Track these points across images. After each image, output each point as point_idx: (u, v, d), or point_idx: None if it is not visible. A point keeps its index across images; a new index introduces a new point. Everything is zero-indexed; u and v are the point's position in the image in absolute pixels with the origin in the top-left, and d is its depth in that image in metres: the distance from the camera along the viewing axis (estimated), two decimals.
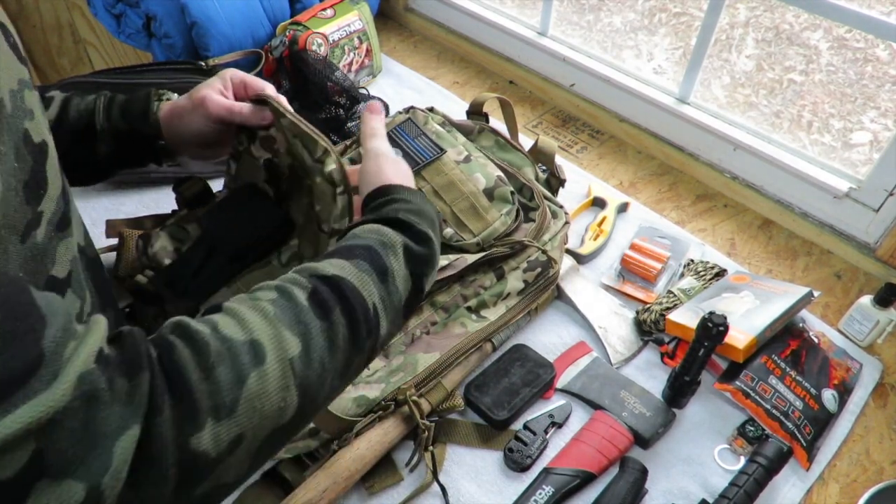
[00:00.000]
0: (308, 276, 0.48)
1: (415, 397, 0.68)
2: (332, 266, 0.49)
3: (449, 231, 0.80)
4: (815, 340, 0.82)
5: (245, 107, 0.72)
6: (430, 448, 0.69)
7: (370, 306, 0.49)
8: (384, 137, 0.66)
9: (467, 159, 0.85)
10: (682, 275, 0.91)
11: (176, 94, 0.75)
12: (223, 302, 0.45)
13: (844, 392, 0.79)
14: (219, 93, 0.72)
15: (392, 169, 0.62)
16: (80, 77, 0.98)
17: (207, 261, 0.70)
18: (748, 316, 0.79)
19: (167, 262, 0.72)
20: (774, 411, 0.73)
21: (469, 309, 0.78)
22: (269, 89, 0.73)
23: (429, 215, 0.58)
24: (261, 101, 0.70)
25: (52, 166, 0.52)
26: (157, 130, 0.72)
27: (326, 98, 1.05)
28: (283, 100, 0.71)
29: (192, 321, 0.42)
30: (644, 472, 0.69)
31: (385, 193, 0.59)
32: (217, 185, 0.80)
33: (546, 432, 0.73)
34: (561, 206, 0.87)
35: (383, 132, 0.67)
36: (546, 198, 0.87)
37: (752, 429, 0.74)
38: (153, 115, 0.72)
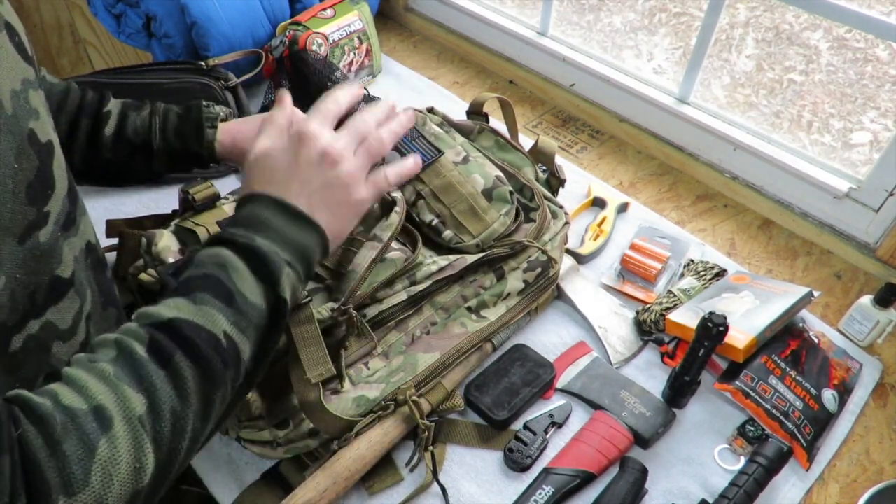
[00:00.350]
0: (145, 324, 0.46)
1: (415, 397, 0.68)
2: (168, 309, 0.47)
3: (448, 233, 0.80)
4: (815, 340, 0.82)
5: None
6: (430, 448, 0.69)
7: (220, 337, 0.47)
8: (277, 128, 0.58)
9: (465, 160, 0.85)
10: (682, 275, 0.91)
11: (223, 110, 0.79)
12: (71, 359, 0.44)
13: (844, 392, 0.79)
14: None
15: (258, 170, 0.57)
16: (80, 77, 0.98)
17: None
18: (748, 316, 0.79)
19: (171, 260, 0.72)
20: (774, 411, 0.73)
21: (469, 309, 0.78)
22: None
23: (265, 223, 0.53)
24: None
25: (58, 166, 0.52)
26: (211, 152, 0.77)
27: None
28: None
29: (33, 395, 0.40)
30: (644, 472, 0.69)
31: (239, 206, 0.56)
32: (219, 186, 0.80)
33: (546, 432, 0.73)
34: (561, 207, 0.87)
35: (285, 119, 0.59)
36: (546, 198, 0.87)
37: (752, 429, 0.74)
38: (208, 142, 0.76)
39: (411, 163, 0.64)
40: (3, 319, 0.47)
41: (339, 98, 0.60)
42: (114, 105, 0.78)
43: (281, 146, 0.57)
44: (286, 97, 0.61)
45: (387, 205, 0.76)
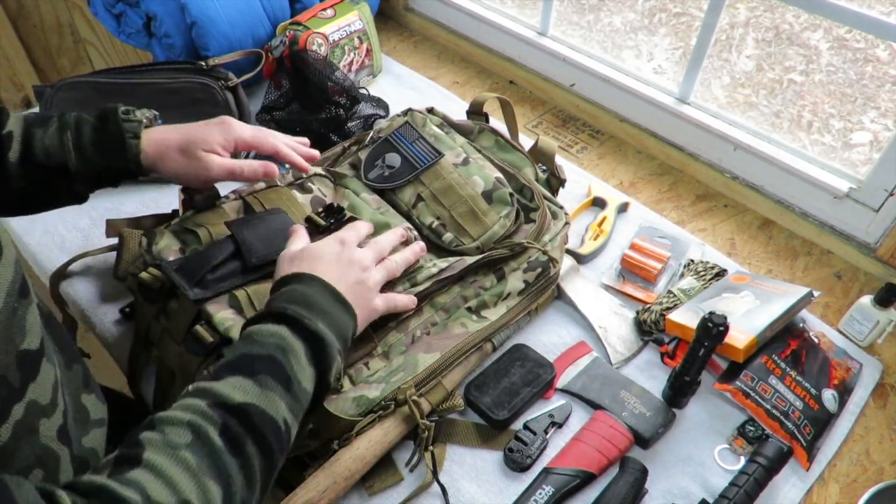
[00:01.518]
0: (216, 405, 0.47)
1: (415, 397, 0.68)
2: (235, 390, 0.48)
3: (448, 236, 0.80)
4: (815, 340, 0.82)
5: (246, 166, 0.74)
6: (430, 448, 0.69)
7: (281, 424, 0.49)
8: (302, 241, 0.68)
9: (465, 162, 0.85)
10: (682, 275, 0.91)
11: (144, 113, 0.72)
12: (140, 438, 0.44)
13: (844, 392, 0.79)
14: (218, 152, 0.72)
15: (305, 256, 0.64)
16: (80, 77, 0.98)
17: (228, 260, 0.71)
18: (748, 316, 0.79)
19: (171, 259, 0.72)
20: (774, 411, 0.73)
21: (469, 309, 0.78)
22: (282, 149, 0.77)
23: (319, 306, 0.58)
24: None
25: (2, 232, 0.47)
26: (138, 165, 0.71)
27: (326, 98, 1.05)
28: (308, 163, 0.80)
29: (118, 486, 0.40)
30: (644, 472, 0.69)
31: (285, 283, 0.60)
32: (218, 186, 0.80)
33: (546, 432, 0.73)
34: (561, 207, 0.87)
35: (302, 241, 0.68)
36: (546, 198, 0.87)
37: (752, 429, 0.74)
38: (133, 156, 0.70)
39: (410, 302, 0.72)
40: None
41: (361, 227, 0.72)
42: (14, 124, 0.68)
43: (325, 244, 0.65)
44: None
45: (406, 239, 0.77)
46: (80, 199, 0.75)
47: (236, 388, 0.48)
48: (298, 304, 0.56)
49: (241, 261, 0.71)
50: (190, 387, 0.49)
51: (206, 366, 0.68)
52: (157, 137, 0.71)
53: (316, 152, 0.82)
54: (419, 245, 0.75)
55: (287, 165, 0.79)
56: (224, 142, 0.73)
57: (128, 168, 0.71)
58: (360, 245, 0.69)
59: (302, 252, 0.64)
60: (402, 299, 0.71)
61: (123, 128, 0.69)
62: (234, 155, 0.76)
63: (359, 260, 0.65)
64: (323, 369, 0.54)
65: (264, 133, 0.77)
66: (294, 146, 0.79)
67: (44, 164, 0.68)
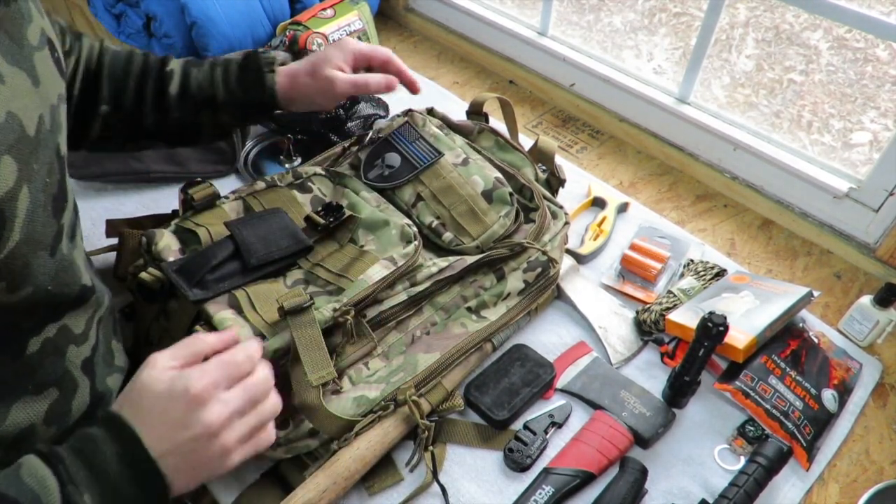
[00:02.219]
0: None
1: (415, 397, 0.68)
2: None
3: (448, 235, 0.80)
4: (815, 340, 0.82)
5: (370, 79, 0.78)
6: (430, 448, 0.69)
7: None
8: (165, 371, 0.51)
9: (465, 162, 0.85)
10: (682, 275, 0.91)
11: (281, 54, 0.80)
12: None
13: (844, 392, 0.79)
14: (340, 69, 0.77)
15: (141, 397, 0.50)
16: None
17: (228, 261, 0.71)
18: (748, 316, 0.79)
19: (172, 259, 0.72)
20: (774, 411, 0.73)
21: (469, 309, 0.78)
22: (391, 56, 0.82)
23: (105, 476, 0.47)
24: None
25: (67, 179, 0.53)
26: (274, 100, 0.78)
27: None
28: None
29: None
30: (644, 472, 0.69)
31: (103, 420, 0.49)
32: (219, 186, 0.80)
33: (546, 432, 0.73)
34: (561, 207, 0.87)
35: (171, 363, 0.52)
36: (546, 198, 0.87)
37: (752, 429, 0.74)
38: (269, 88, 0.77)
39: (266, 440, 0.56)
40: (20, 322, 0.47)
41: (250, 348, 0.55)
42: (175, 64, 0.78)
43: (166, 385, 0.50)
44: (229, 335, 0.57)
45: (407, 236, 0.77)
46: (224, 133, 0.84)
47: None
48: (81, 458, 0.47)
49: (241, 261, 0.71)
50: None
51: None
52: (288, 69, 0.79)
53: (406, 81, 0.84)
54: (278, 399, 0.57)
55: (289, 165, 0.79)
56: (344, 57, 0.78)
57: (264, 100, 0.77)
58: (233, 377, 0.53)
59: (138, 388, 0.50)
60: (264, 439, 0.55)
61: (262, 63, 0.77)
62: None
63: (208, 427, 0.49)
64: None
65: (379, 47, 0.82)
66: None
67: (195, 96, 0.77)
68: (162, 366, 0.51)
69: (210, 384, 0.50)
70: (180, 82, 0.77)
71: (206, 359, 0.53)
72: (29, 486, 0.44)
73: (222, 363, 0.52)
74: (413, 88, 0.84)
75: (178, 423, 0.49)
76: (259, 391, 0.53)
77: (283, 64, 0.80)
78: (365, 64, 0.81)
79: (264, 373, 0.55)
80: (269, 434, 0.55)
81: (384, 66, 0.82)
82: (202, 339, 0.54)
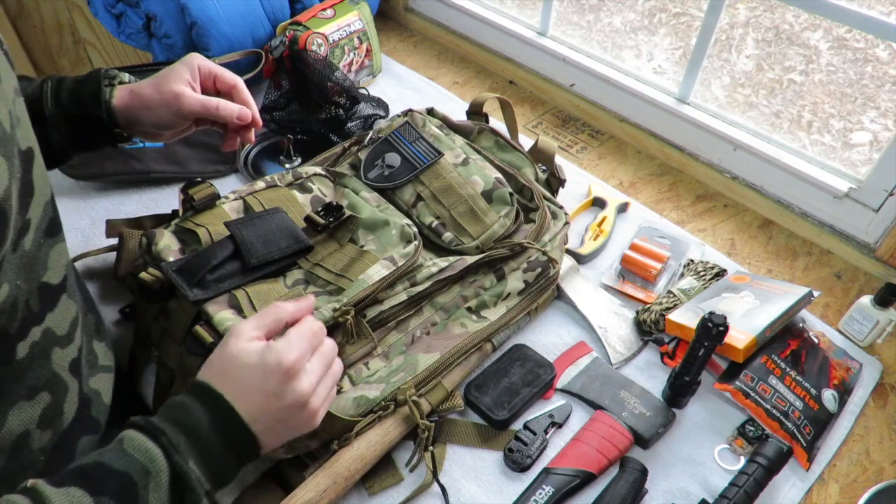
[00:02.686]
0: None
1: (415, 397, 0.68)
2: (69, 497, 0.43)
3: (448, 235, 0.80)
4: (815, 340, 0.82)
5: (221, 104, 0.72)
6: (430, 448, 0.69)
7: None
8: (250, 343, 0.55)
9: (465, 162, 0.85)
10: (682, 275, 0.91)
11: (126, 75, 0.73)
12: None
13: (844, 392, 0.79)
14: (188, 85, 0.71)
15: (232, 364, 0.53)
16: None
17: (228, 261, 0.71)
18: (748, 316, 0.79)
19: (172, 259, 0.72)
20: (774, 411, 0.73)
21: (469, 309, 0.78)
22: (240, 82, 0.74)
23: (204, 442, 0.50)
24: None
25: (38, 173, 0.51)
26: (111, 116, 0.70)
27: (326, 98, 1.05)
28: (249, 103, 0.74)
29: None
30: (644, 472, 0.69)
31: (193, 390, 0.53)
32: (218, 186, 0.80)
33: (546, 432, 0.73)
34: (561, 207, 0.87)
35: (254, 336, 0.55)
36: (546, 198, 0.87)
37: (752, 429, 0.74)
38: (105, 102, 0.70)
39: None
40: (7, 326, 0.47)
41: (317, 322, 0.59)
42: None
43: (255, 356, 0.53)
44: (307, 303, 0.60)
45: (406, 236, 0.76)
46: (60, 155, 0.73)
47: (69, 498, 0.43)
48: (180, 428, 0.49)
49: (241, 261, 0.71)
50: (29, 481, 0.45)
51: None
52: (130, 85, 0.72)
53: (252, 117, 0.75)
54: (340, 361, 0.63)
55: (289, 165, 0.78)
56: (191, 72, 0.71)
57: (100, 115, 0.69)
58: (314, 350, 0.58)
59: (229, 359, 0.54)
60: (332, 395, 0.60)
61: (101, 77, 0.70)
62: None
63: (296, 394, 0.53)
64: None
65: (229, 71, 0.75)
66: (248, 101, 0.75)
67: None
68: (248, 336, 0.55)
69: (299, 357, 0.54)
70: None
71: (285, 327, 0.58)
72: (135, 458, 0.47)
73: (304, 335, 0.56)
74: (255, 125, 0.76)
75: (272, 393, 0.52)
76: (330, 357, 0.59)
77: (123, 83, 0.73)
78: (211, 81, 0.74)
79: (331, 340, 0.60)
80: (334, 391, 0.61)
81: (231, 92, 0.75)
82: (284, 308, 0.58)
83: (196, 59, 0.73)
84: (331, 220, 0.77)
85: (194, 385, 0.53)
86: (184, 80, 0.71)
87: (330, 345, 0.59)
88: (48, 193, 0.54)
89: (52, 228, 0.54)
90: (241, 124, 0.74)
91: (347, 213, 0.78)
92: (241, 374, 0.53)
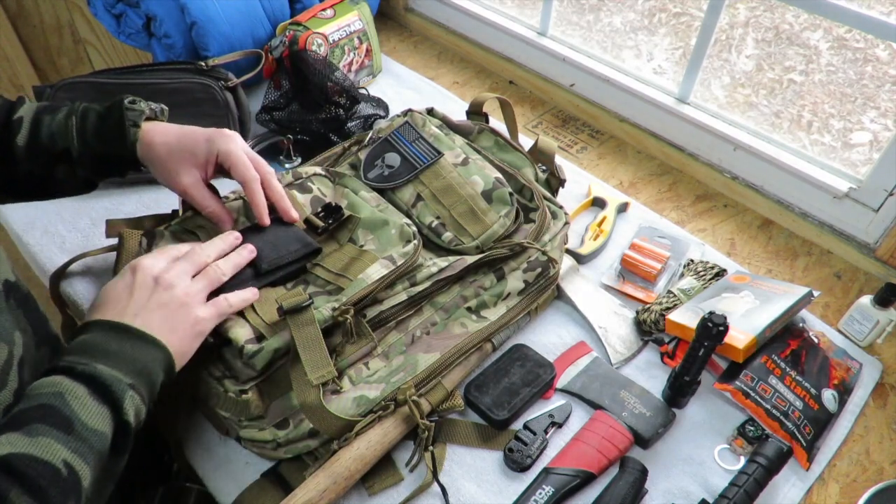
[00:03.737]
0: None
1: (415, 397, 0.68)
2: (2, 445, 0.45)
3: (448, 235, 0.80)
4: (815, 340, 0.82)
5: (211, 211, 0.72)
6: (430, 448, 0.69)
7: (59, 466, 0.45)
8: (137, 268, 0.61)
9: (465, 162, 0.85)
10: (682, 275, 0.91)
11: (146, 106, 0.73)
12: None
13: (844, 392, 0.79)
14: (201, 170, 0.71)
15: (97, 302, 0.59)
16: (80, 77, 0.98)
17: (243, 268, 0.70)
18: (748, 316, 0.79)
19: None
20: (774, 411, 0.73)
21: (469, 309, 0.78)
22: (254, 182, 0.71)
23: (99, 348, 0.54)
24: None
25: None
26: (133, 155, 0.71)
27: (326, 98, 1.05)
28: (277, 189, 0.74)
29: None
30: (644, 472, 0.69)
31: (73, 337, 0.56)
32: (218, 186, 0.80)
33: (546, 432, 0.73)
34: (561, 207, 0.87)
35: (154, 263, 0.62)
36: (546, 198, 0.87)
37: (752, 429, 0.74)
38: (130, 144, 0.70)
39: (250, 293, 0.67)
40: None
41: (180, 246, 0.65)
42: (26, 111, 0.71)
43: (117, 279, 0.60)
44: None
45: (406, 235, 0.76)
46: (88, 186, 0.76)
47: (2, 444, 0.45)
48: (74, 353, 0.53)
49: (253, 266, 0.71)
50: None
51: (206, 365, 0.68)
52: (155, 131, 0.71)
53: (282, 211, 0.75)
54: (248, 248, 0.69)
55: (289, 165, 0.78)
56: (206, 156, 0.71)
57: (125, 156, 0.71)
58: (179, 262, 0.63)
59: (97, 296, 0.60)
60: (237, 297, 0.65)
61: (126, 116, 0.70)
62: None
63: (158, 279, 0.59)
64: (115, 407, 0.51)
65: (252, 168, 0.71)
66: (280, 195, 0.74)
67: (48, 148, 0.69)
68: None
69: (150, 258, 0.61)
70: (29, 133, 0.69)
71: None
72: (43, 392, 0.49)
73: (162, 250, 0.64)
74: (286, 217, 0.75)
75: (136, 287, 0.59)
76: (200, 256, 0.64)
77: (151, 118, 0.73)
78: (225, 164, 0.72)
79: (204, 250, 0.65)
80: (232, 297, 0.65)
81: (244, 184, 0.72)
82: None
83: (218, 143, 0.70)
84: (330, 222, 0.77)
85: (78, 326, 0.57)
86: (196, 159, 0.71)
87: (196, 250, 0.65)
88: None
89: None
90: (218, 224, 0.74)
91: (347, 213, 0.78)
92: (107, 294, 0.59)
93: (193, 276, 0.63)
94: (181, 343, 0.59)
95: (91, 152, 0.71)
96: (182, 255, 0.64)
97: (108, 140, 0.70)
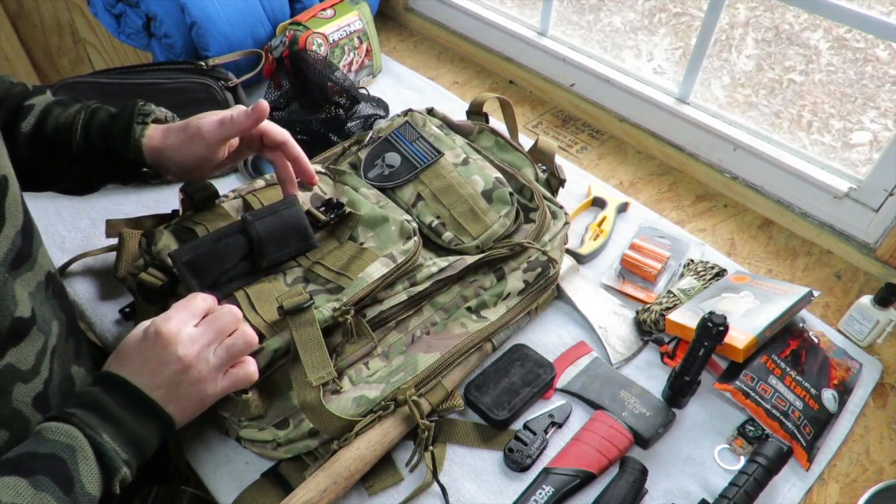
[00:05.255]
0: None
1: (415, 397, 0.68)
2: (6, 491, 0.45)
3: (448, 235, 0.80)
4: (815, 340, 0.82)
5: (234, 111, 0.69)
6: (430, 448, 0.69)
7: None
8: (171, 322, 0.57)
9: (465, 162, 0.85)
10: (682, 275, 0.91)
11: (162, 111, 0.72)
12: None
13: (844, 392, 0.79)
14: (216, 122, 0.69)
15: (118, 353, 0.57)
16: (80, 77, 0.98)
17: (240, 261, 0.70)
18: (748, 316, 0.79)
19: (176, 248, 0.72)
20: (774, 411, 0.73)
21: (469, 309, 0.78)
22: (290, 139, 0.71)
23: (110, 413, 0.53)
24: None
25: (11, 202, 0.51)
26: (139, 155, 0.69)
27: (326, 98, 1.05)
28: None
29: None
30: (644, 472, 0.69)
31: (94, 382, 0.55)
32: (218, 186, 0.80)
33: (546, 432, 0.73)
34: (561, 207, 0.87)
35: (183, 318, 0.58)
36: (546, 198, 0.87)
37: (752, 429, 0.74)
38: (135, 141, 0.69)
39: (253, 367, 0.62)
40: None
41: (206, 297, 0.61)
42: (40, 101, 0.70)
43: (141, 339, 0.57)
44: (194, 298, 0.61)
45: (406, 232, 0.76)
46: (86, 186, 0.74)
47: (8, 489, 0.46)
48: (88, 409, 0.53)
49: (251, 261, 0.71)
50: None
51: None
52: (163, 126, 0.71)
53: (305, 172, 0.75)
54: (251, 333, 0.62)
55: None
56: (224, 114, 0.69)
57: (126, 155, 0.69)
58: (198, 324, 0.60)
59: (120, 348, 0.58)
60: (243, 372, 0.60)
61: (134, 113, 0.70)
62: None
63: (182, 360, 0.56)
64: (108, 477, 0.51)
65: (277, 127, 0.72)
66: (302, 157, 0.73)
67: (50, 138, 0.69)
68: (140, 326, 0.58)
69: (177, 323, 0.57)
70: (36, 121, 0.68)
71: None
72: (58, 440, 0.49)
73: (181, 306, 0.59)
74: (307, 180, 0.75)
75: (157, 361, 0.55)
76: (225, 323, 0.59)
77: (162, 121, 0.72)
78: (258, 137, 0.72)
79: (227, 309, 0.60)
80: (248, 367, 0.61)
81: (280, 149, 0.73)
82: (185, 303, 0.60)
83: (241, 108, 0.70)
84: (332, 216, 0.77)
85: (96, 375, 0.56)
86: (213, 116, 0.69)
87: (225, 311, 0.60)
88: (20, 222, 0.53)
89: (18, 260, 0.53)
90: (258, 123, 0.70)
91: (348, 209, 0.78)
92: (130, 351, 0.57)
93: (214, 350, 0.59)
94: (184, 415, 0.58)
95: (91, 148, 0.69)
96: (202, 313, 0.60)
97: (111, 137, 0.69)
